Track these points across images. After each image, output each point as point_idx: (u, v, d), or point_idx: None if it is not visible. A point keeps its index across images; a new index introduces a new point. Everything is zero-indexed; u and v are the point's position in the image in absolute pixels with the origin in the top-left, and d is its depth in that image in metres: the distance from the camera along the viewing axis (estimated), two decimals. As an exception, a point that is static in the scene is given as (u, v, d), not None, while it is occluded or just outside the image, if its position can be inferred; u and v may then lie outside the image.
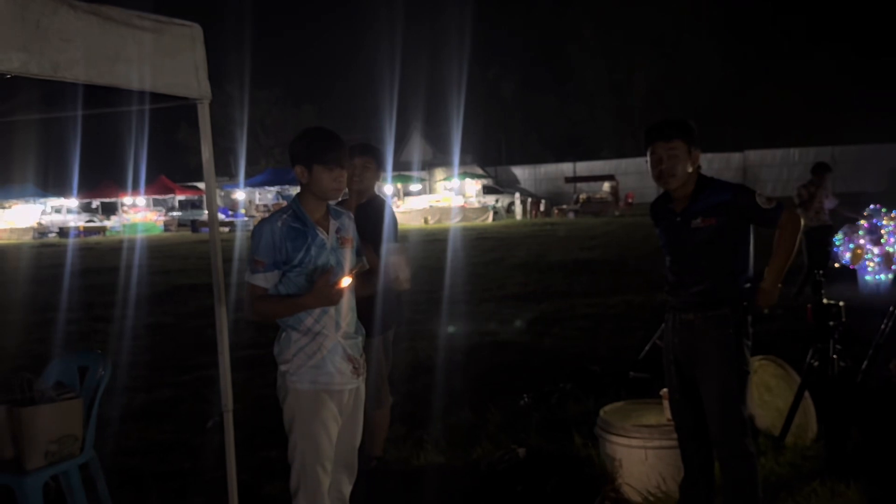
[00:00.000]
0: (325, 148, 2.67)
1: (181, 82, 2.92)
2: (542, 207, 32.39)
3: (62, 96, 3.24)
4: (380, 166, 3.87)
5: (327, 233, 2.73)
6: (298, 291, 2.66)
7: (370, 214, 3.62)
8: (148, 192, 37.31)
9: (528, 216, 31.25)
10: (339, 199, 3.47)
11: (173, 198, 39.45)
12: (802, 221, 3.03)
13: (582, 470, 3.82)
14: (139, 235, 28.92)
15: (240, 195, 37.58)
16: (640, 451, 3.52)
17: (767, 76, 43.23)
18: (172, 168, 42.34)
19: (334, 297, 2.61)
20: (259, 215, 32.06)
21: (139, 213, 36.49)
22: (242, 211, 35.57)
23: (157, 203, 39.60)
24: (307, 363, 2.66)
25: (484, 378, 5.85)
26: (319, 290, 2.58)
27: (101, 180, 38.73)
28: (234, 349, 3.28)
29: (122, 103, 3.40)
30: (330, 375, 2.68)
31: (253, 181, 37.65)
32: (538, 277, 11.85)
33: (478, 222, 28.39)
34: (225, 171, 43.84)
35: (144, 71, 2.72)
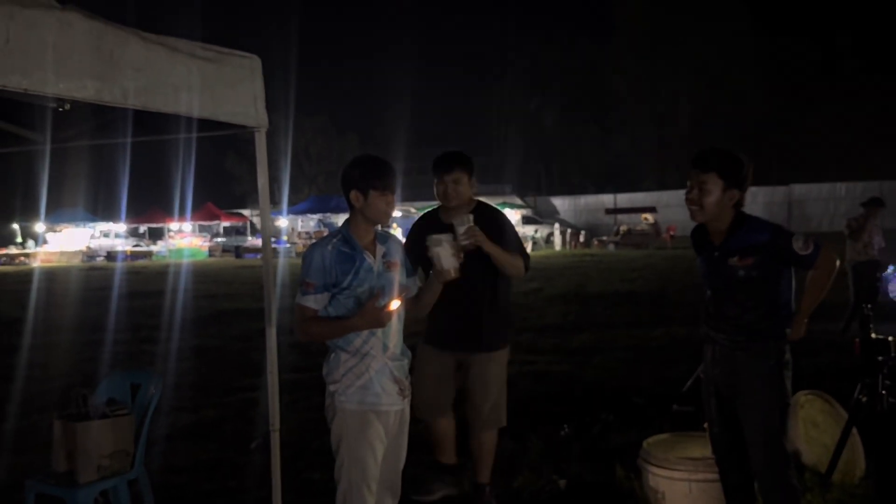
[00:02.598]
0: (380, 174, 2.78)
1: (240, 111, 3.04)
2: (581, 238, 32.25)
3: (118, 124, 3.40)
4: (471, 175, 3.73)
5: (374, 257, 2.81)
6: (347, 313, 2.74)
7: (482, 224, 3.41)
8: (194, 218, 38.20)
9: (568, 247, 31.13)
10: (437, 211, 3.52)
11: (218, 224, 40.30)
12: (838, 265, 2.99)
13: (624, 502, 3.80)
14: (185, 260, 29.54)
15: (283, 222, 38.23)
16: (683, 484, 3.48)
17: (814, 109, 42.62)
18: (218, 195, 43.36)
19: (383, 319, 2.68)
20: (301, 242, 32.50)
21: (185, 239, 37.30)
22: (285, 238, 36.15)
23: (202, 229, 40.48)
24: (355, 383, 2.73)
25: (525, 407, 5.82)
26: (368, 312, 2.66)
27: (149, 206, 39.82)
28: (279, 372, 3.34)
29: (176, 131, 3.55)
30: (377, 396, 2.74)
31: (296, 209, 38.31)
32: (578, 308, 11.79)
33: (517, 252, 28.36)
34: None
35: (207, 100, 2.85)
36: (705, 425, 3.51)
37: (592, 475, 4.17)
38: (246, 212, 41.48)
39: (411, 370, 2.96)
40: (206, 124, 3.22)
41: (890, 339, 3.77)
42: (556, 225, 33.58)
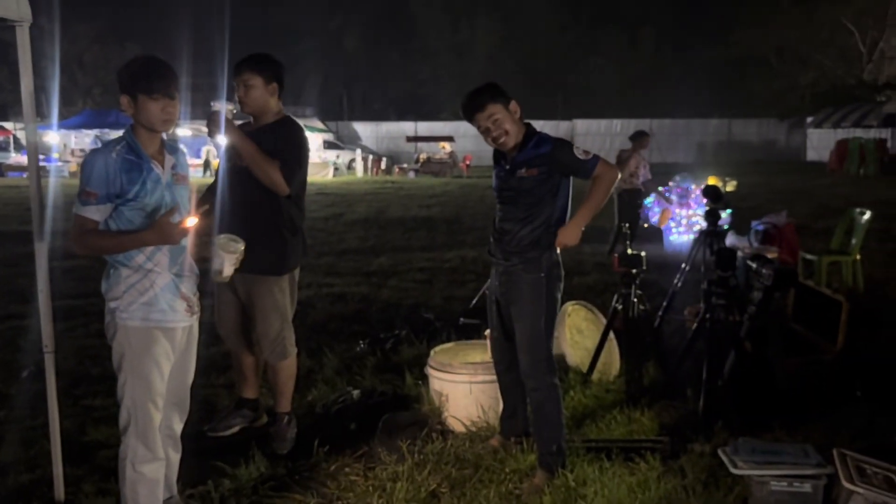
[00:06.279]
0: (149, 76, 2.59)
1: (-4, 1, 2.70)
2: (383, 165, 32.47)
3: None
4: (270, 82, 3.50)
5: (163, 168, 2.67)
6: (131, 227, 2.60)
7: (268, 140, 3.33)
8: (-56, 128, 33.14)
9: (370, 174, 31.24)
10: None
11: (-26, 138, 35.28)
12: (618, 175, 3.27)
13: (412, 406, 4.06)
14: (-69, 178, 25.75)
15: (53, 137, 34.25)
16: (464, 386, 3.79)
17: (596, 50, 45.81)
18: (-26, 105, 37.83)
19: (176, 236, 2.57)
20: (74, 160, 29.50)
21: (-69, 154, 32.31)
22: (56, 155, 32.52)
23: (-46, 143, 35.22)
24: (138, 300, 2.62)
25: (322, 327, 5.94)
26: (161, 227, 2.53)
27: None
28: (53, 298, 3.07)
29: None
30: (163, 313, 2.66)
31: (68, 123, 34.45)
32: (377, 233, 12.00)
33: (318, 178, 27.93)
34: (36, 112, 39.79)
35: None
36: (485, 333, 3.83)
37: (384, 384, 4.39)
38: (9, 125, 36.64)
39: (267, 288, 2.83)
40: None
41: (643, 254, 4.31)
42: (358, 151, 33.44)
